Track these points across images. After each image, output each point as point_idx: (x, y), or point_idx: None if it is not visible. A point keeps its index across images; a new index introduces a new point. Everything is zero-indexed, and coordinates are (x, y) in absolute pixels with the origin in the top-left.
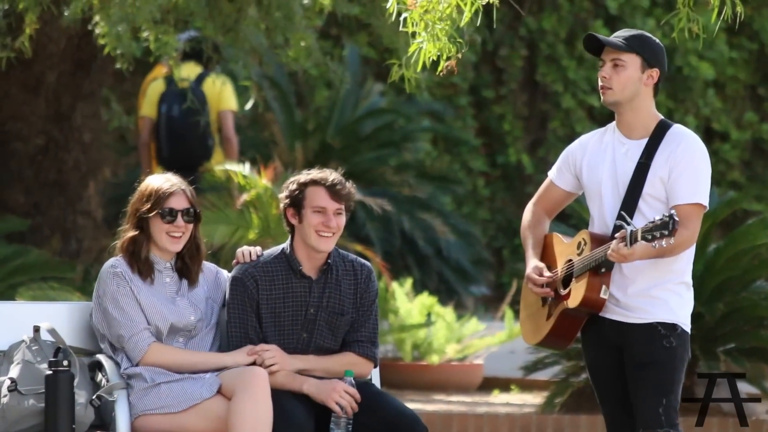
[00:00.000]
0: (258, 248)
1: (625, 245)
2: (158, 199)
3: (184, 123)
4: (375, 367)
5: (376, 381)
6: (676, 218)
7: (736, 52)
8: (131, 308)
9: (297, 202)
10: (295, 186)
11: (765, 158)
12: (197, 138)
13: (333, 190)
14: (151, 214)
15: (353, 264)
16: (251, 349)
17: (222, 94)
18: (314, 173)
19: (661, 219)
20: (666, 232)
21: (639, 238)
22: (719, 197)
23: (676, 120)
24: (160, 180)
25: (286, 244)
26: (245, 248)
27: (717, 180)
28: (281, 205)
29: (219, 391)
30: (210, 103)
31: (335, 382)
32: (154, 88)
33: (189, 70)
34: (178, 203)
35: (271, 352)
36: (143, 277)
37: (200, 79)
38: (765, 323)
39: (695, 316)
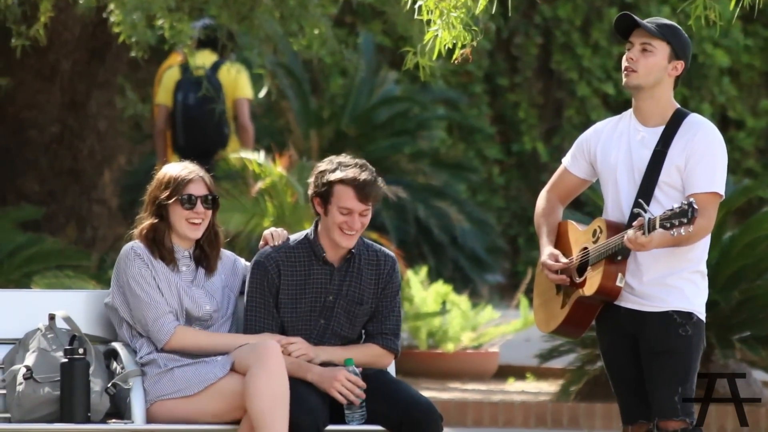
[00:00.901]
0: (285, 231)
1: (643, 233)
2: (177, 186)
3: (199, 111)
4: (396, 357)
5: (392, 369)
6: (695, 206)
7: (752, 40)
8: (154, 291)
9: (324, 195)
10: (324, 181)
11: None
12: (213, 126)
13: (362, 193)
14: (170, 201)
15: (377, 254)
16: (278, 341)
17: (238, 82)
18: (346, 169)
19: (680, 207)
20: (685, 220)
21: (657, 226)
22: (734, 185)
23: (692, 108)
24: (179, 167)
25: (310, 230)
26: (273, 230)
27: (732, 168)
28: (309, 192)
29: (232, 368)
30: (225, 90)
31: (336, 370)
32: (169, 76)
33: (204, 58)
34: (198, 190)
35: (297, 344)
36: (166, 263)
37: (216, 66)
38: None
39: (710, 305)
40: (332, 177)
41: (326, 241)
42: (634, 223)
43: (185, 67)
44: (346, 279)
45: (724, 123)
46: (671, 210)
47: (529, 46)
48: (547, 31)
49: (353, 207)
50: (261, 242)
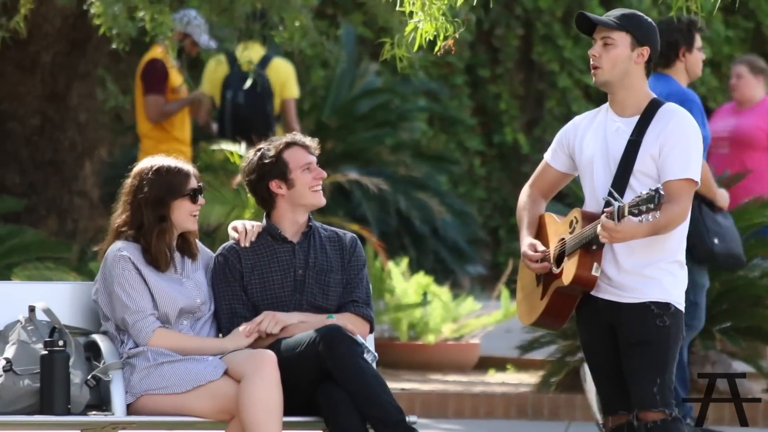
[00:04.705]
0: (255, 223)
1: (613, 221)
2: (181, 182)
3: (249, 111)
4: (371, 331)
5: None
6: (662, 192)
7: (732, 31)
8: (137, 293)
9: (280, 170)
10: (271, 158)
11: None
12: (262, 127)
13: (306, 145)
14: (177, 199)
15: (336, 232)
16: (248, 330)
17: (287, 81)
18: (278, 140)
19: (647, 193)
20: (652, 206)
21: (626, 213)
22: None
23: None
24: (170, 162)
25: (262, 223)
26: (238, 223)
27: None
28: (254, 185)
29: (226, 373)
30: (274, 88)
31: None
32: (215, 67)
33: (253, 52)
34: (195, 182)
35: (265, 320)
36: (165, 268)
37: (264, 62)
38: (761, 302)
39: None
40: (277, 149)
41: (284, 223)
42: (605, 211)
43: (233, 61)
44: (310, 252)
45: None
46: (639, 196)
47: (510, 38)
48: (528, 22)
49: (311, 160)
50: (231, 235)
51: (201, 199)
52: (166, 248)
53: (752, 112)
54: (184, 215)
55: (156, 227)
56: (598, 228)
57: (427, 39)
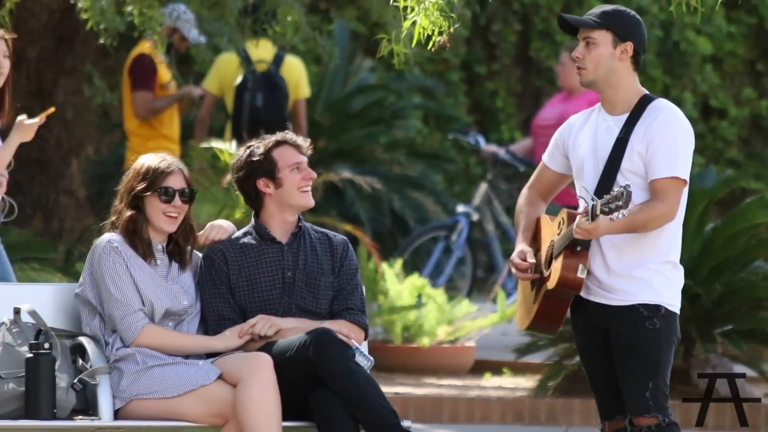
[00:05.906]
0: (230, 224)
1: (587, 220)
2: (156, 177)
3: (266, 113)
4: (366, 337)
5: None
6: (630, 189)
7: (735, 27)
8: (127, 287)
9: (268, 169)
10: (260, 156)
11: (764, 135)
12: (280, 129)
13: (297, 145)
14: (147, 193)
15: (326, 234)
16: (241, 331)
17: (299, 82)
18: (267, 139)
19: (617, 190)
20: (620, 204)
21: (598, 212)
22: (717, 175)
23: (673, 96)
24: (157, 158)
25: (251, 223)
26: (217, 223)
27: (715, 158)
28: (242, 183)
29: (219, 377)
30: (288, 89)
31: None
32: (227, 65)
33: (264, 51)
34: (176, 182)
35: (259, 323)
36: (146, 257)
37: (278, 61)
38: (763, 304)
39: (692, 298)
40: (266, 147)
41: (273, 222)
42: (580, 210)
43: (246, 60)
44: (300, 254)
45: (706, 112)
46: (609, 194)
47: (507, 33)
48: (526, 17)
49: (301, 160)
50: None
51: (178, 201)
52: (138, 238)
53: (579, 100)
54: (156, 211)
55: (127, 213)
56: (573, 226)
57: (425, 34)
